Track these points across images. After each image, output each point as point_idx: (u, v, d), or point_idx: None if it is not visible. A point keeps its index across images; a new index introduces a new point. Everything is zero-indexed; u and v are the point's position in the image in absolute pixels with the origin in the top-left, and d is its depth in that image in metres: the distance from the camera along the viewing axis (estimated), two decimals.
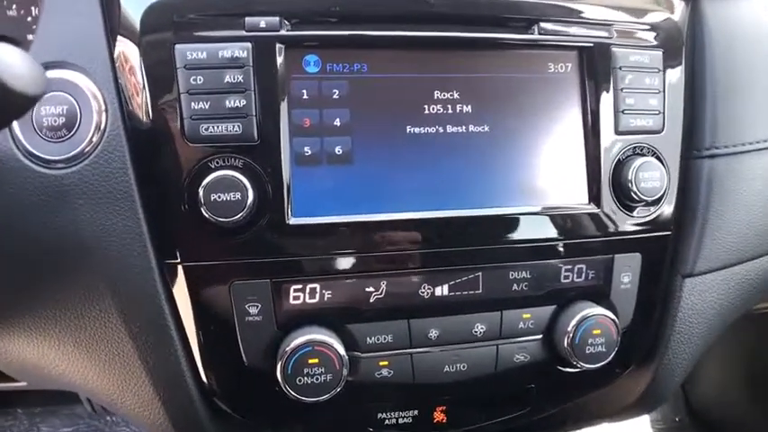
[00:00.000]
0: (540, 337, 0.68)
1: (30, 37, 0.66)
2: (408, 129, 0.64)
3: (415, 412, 0.67)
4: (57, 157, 0.58)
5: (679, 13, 0.72)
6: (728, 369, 1.39)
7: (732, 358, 1.36)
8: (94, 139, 0.58)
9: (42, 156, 0.57)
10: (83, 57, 0.59)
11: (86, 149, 0.58)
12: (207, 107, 0.59)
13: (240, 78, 0.59)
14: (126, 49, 0.59)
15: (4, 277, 0.60)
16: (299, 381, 0.59)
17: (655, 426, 1.46)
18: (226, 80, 0.59)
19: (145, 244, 0.60)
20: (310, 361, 0.59)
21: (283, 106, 0.61)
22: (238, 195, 0.57)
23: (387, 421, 0.66)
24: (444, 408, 0.68)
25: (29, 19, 0.67)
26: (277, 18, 0.60)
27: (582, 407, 0.75)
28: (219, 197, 0.57)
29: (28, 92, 0.42)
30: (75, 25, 0.60)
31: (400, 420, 0.67)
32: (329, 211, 0.62)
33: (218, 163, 0.59)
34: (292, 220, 0.60)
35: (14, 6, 0.68)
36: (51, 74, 0.58)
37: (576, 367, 0.67)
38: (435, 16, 0.64)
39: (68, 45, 0.59)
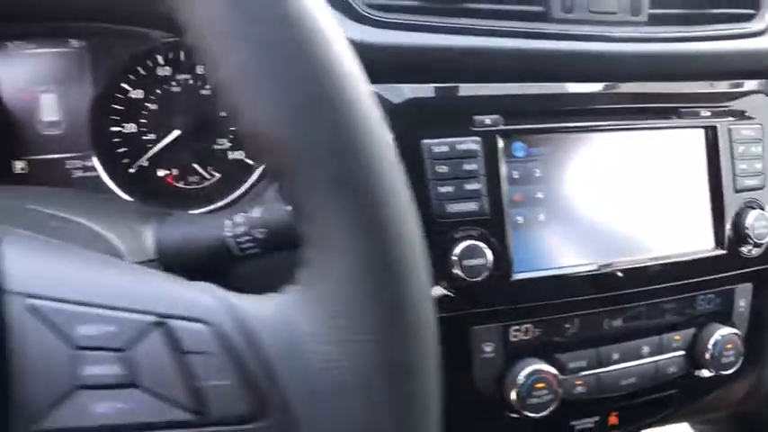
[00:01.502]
0: (684, 353, 0.87)
1: None
2: (588, 194, 0.82)
3: (597, 418, 0.85)
4: None
5: None
6: None
7: None
8: None
9: None
10: None
11: None
12: (451, 190, 0.74)
13: (474, 166, 0.75)
14: None
15: None
16: (529, 402, 0.76)
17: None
18: (464, 168, 0.75)
19: None
20: (537, 385, 0.76)
21: (504, 186, 0.77)
22: (482, 260, 0.73)
23: (576, 427, 0.84)
24: (617, 413, 0.86)
25: None
26: (497, 116, 0.77)
27: (709, 402, 0.96)
28: (469, 262, 0.73)
29: None
30: None
31: (586, 425, 0.84)
32: (538, 266, 0.79)
33: (462, 234, 0.74)
34: (514, 276, 0.77)
35: None
36: None
37: (711, 373, 0.87)
38: (607, 111, 0.83)
39: None
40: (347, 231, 0.35)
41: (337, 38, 0.36)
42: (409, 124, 0.74)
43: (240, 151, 0.92)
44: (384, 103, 0.75)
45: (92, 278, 0.38)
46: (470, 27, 0.78)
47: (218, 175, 0.92)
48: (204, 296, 0.38)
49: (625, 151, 0.84)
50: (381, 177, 0.35)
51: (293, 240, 0.60)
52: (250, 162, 0.92)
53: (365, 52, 0.72)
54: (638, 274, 0.83)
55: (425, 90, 0.75)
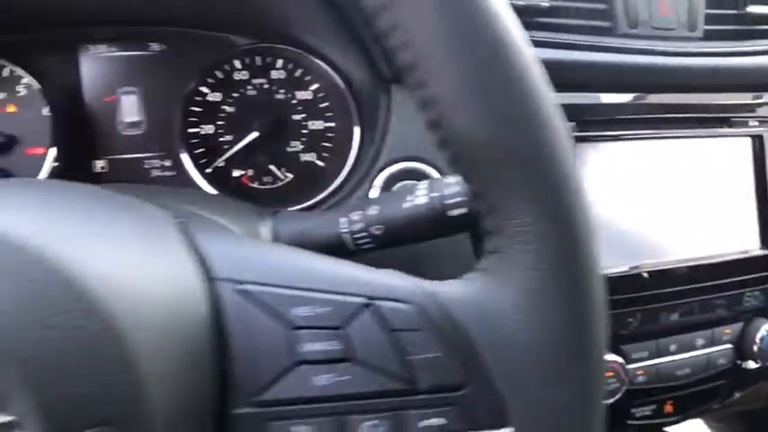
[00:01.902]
0: (732, 346, 0.93)
1: None
2: (645, 198, 0.88)
3: (654, 406, 0.90)
4: None
5: None
6: None
7: None
8: None
9: None
10: None
11: None
12: None
13: None
14: None
15: None
16: None
17: None
18: None
19: None
20: (607, 374, 0.81)
21: None
22: None
23: (636, 414, 0.89)
24: (672, 401, 0.92)
25: None
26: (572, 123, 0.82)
27: (753, 392, 1.02)
28: None
29: None
30: None
31: (645, 413, 0.90)
32: (605, 266, 0.84)
33: None
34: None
35: None
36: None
37: (757, 365, 0.93)
38: (660, 120, 0.89)
39: None
40: (540, 226, 0.40)
41: (531, 55, 0.41)
42: None
43: (312, 153, 0.96)
44: None
45: (293, 264, 0.42)
46: (544, 40, 0.83)
47: (290, 176, 0.96)
48: (400, 281, 0.42)
49: (677, 158, 0.90)
50: (569, 176, 0.40)
51: (412, 236, 0.64)
52: (320, 164, 0.96)
53: None
54: (691, 273, 0.89)
55: None
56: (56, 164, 0.86)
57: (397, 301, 0.41)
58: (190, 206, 0.60)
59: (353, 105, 0.87)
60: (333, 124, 0.96)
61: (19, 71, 0.87)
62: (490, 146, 0.39)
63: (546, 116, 0.40)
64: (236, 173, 0.95)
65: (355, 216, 0.65)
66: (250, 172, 0.95)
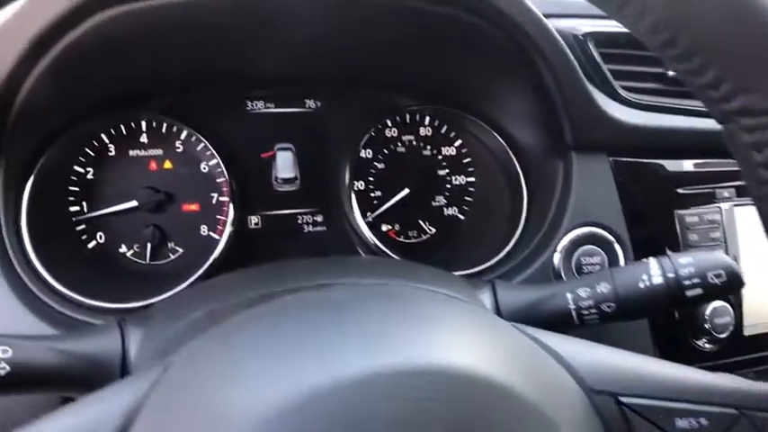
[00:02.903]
0: None
1: None
2: None
3: None
4: None
5: None
6: None
7: None
8: None
9: None
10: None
11: None
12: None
13: (718, 234, 0.84)
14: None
15: None
16: None
17: None
18: (709, 236, 0.83)
19: None
20: None
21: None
22: (728, 318, 0.82)
23: None
24: None
25: None
26: (733, 189, 0.86)
27: None
28: (719, 320, 0.82)
29: None
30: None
31: None
32: (762, 320, 0.88)
33: None
34: (745, 331, 0.86)
35: None
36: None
37: None
38: None
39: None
40: None
41: None
42: (664, 196, 0.82)
43: (454, 207, 0.98)
44: (640, 175, 0.83)
45: (668, 377, 0.44)
46: (700, 110, 0.87)
47: (434, 230, 0.98)
48: (753, 388, 0.45)
49: None
50: None
51: (643, 313, 0.67)
52: (461, 217, 0.98)
53: (626, 131, 0.81)
54: None
55: (679, 165, 0.84)
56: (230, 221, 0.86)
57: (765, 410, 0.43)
58: (405, 279, 0.62)
59: (519, 169, 0.90)
60: (473, 179, 0.98)
61: (179, 126, 0.86)
62: None
63: None
64: (384, 227, 0.96)
65: (582, 292, 0.67)
66: (397, 226, 0.97)
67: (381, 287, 0.51)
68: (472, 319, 0.45)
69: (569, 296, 0.67)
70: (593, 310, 0.66)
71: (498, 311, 0.67)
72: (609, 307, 0.66)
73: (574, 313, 0.66)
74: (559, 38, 0.72)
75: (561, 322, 0.67)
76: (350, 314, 0.41)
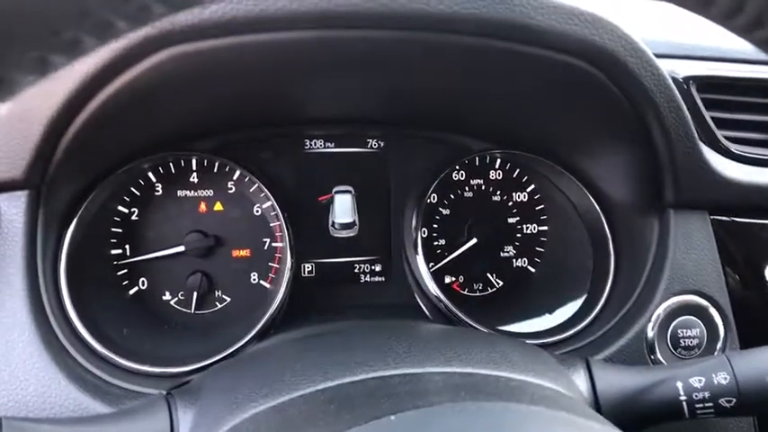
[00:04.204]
0: None
1: None
2: None
3: None
4: None
5: None
6: None
7: None
8: None
9: None
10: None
11: None
12: None
13: None
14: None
15: None
16: None
17: None
18: None
19: None
20: None
21: None
22: None
23: None
24: None
25: None
26: None
27: None
28: None
29: None
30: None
31: None
32: None
33: None
34: None
35: None
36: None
37: None
38: None
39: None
40: None
41: None
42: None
43: (524, 258, 0.90)
44: (744, 236, 0.74)
45: None
46: None
47: (500, 283, 0.89)
48: None
49: None
50: None
51: None
52: (531, 269, 0.90)
53: (730, 186, 0.72)
54: None
55: None
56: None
57: None
58: (493, 364, 0.54)
59: (606, 226, 0.80)
60: (546, 228, 0.89)
61: (231, 165, 0.79)
62: None
63: None
64: (447, 279, 0.88)
65: (696, 382, 0.58)
66: (461, 278, 0.88)
67: (491, 406, 0.43)
68: None
69: (680, 385, 0.58)
70: (709, 404, 0.57)
71: (595, 397, 0.59)
72: (728, 402, 0.57)
73: (685, 406, 0.58)
74: (675, 90, 0.64)
75: (669, 415, 0.59)
76: None
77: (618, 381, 0.59)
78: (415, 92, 0.72)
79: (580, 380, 0.59)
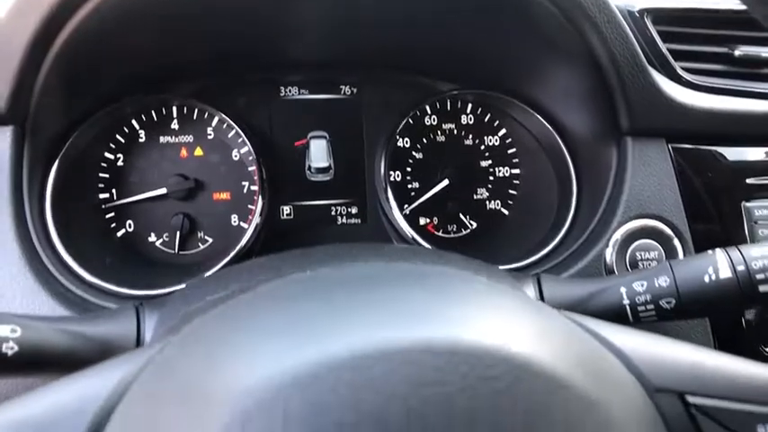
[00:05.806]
0: None
1: None
2: None
3: None
4: None
5: None
6: None
7: None
8: None
9: None
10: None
11: None
12: None
13: None
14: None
15: None
16: None
17: None
18: None
19: None
20: None
21: None
22: None
23: None
24: None
25: None
26: None
27: None
28: None
29: None
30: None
31: None
32: None
33: None
34: None
35: None
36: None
37: None
38: None
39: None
40: None
41: None
42: (729, 186, 0.75)
43: (497, 200, 0.92)
44: (703, 163, 0.75)
45: (741, 373, 0.38)
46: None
47: (474, 225, 0.92)
48: None
49: None
50: None
51: (707, 311, 0.60)
52: (505, 212, 0.92)
53: (687, 114, 0.74)
54: None
55: (748, 153, 0.76)
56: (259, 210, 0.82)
57: None
58: (445, 267, 0.56)
59: (569, 157, 0.83)
60: (519, 171, 0.92)
61: (210, 111, 0.83)
62: None
63: None
64: (422, 221, 0.91)
65: (638, 286, 0.60)
66: (435, 220, 0.91)
67: (414, 266, 0.46)
68: (515, 304, 0.39)
69: (623, 290, 0.60)
70: (650, 306, 0.59)
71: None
72: (668, 303, 0.59)
73: (628, 309, 0.60)
74: (617, 11, 0.66)
75: (613, 319, 0.61)
76: (385, 290, 0.36)
77: (566, 291, 0.62)
78: (373, 24, 0.75)
79: (529, 290, 0.62)
